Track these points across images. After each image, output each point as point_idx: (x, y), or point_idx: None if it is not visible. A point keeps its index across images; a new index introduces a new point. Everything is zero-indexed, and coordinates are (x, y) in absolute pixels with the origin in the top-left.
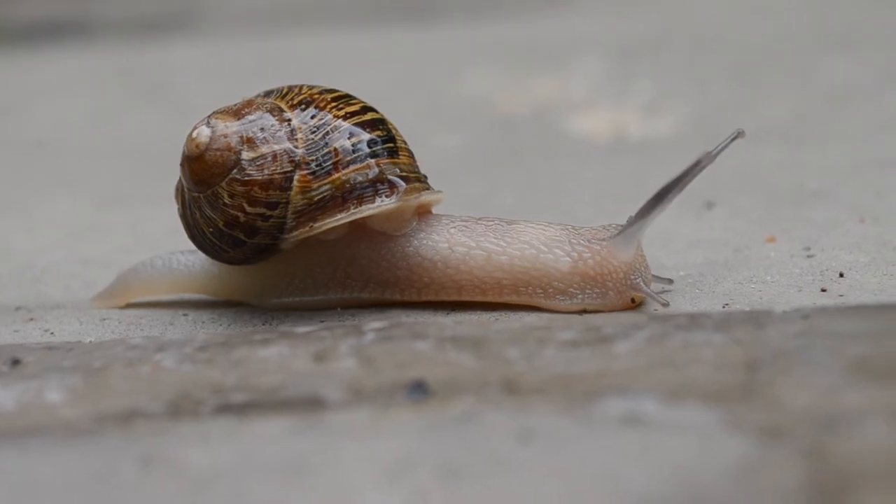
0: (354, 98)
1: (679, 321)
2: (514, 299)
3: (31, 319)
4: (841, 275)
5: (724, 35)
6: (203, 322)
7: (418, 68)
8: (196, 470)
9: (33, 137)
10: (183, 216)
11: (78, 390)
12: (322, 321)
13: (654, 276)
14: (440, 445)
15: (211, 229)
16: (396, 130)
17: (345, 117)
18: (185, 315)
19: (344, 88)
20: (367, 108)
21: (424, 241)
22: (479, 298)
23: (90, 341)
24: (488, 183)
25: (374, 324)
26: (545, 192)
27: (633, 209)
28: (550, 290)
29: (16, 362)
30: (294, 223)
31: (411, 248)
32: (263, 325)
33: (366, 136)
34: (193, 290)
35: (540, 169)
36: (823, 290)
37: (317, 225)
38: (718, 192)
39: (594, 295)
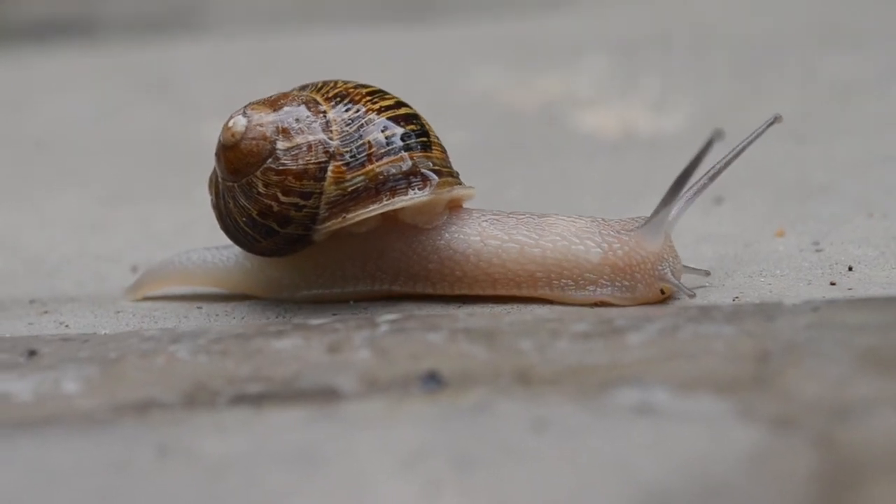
0: (388, 93)
1: (690, 313)
2: (546, 293)
3: (46, 312)
4: (850, 268)
5: (728, 31)
6: (217, 315)
7: (423, 66)
8: (212, 459)
9: (39, 134)
10: (216, 206)
11: (94, 381)
12: (335, 314)
13: (689, 267)
14: (454, 435)
15: (244, 219)
16: (430, 126)
17: (379, 111)
18: (198, 308)
19: None
20: (400, 104)
21: (456, 235)
22: (514, 292)
23: (105, 333)
24: (494, 179)
25: (387, 316)
26: (551, 188)
27: (640, 205)
28: (581, 282)
29: (32, 353)
30: (327, 214)
31: (442, 242)
32: (277, 317)
33: (399, 129)
34: (225, 286)
35: (546, 165)
36: (833, 284)
37: (349, 216)
38: (726, 187)
39: (623, 287)
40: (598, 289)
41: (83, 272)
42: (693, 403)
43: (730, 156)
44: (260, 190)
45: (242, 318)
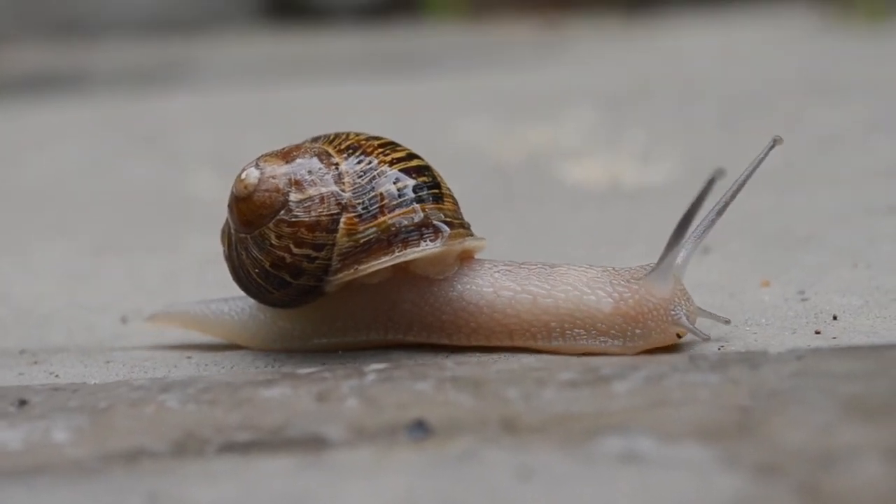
0: (400, 145)
1: (676, 362)
2: (560, 345)
3: (36, 362)
4: (834, 317)
5: (713, 84)
6: (206, 364)
7: (411, 118)
8: None
9: (31, 185)
10: (228, 257)
11: (84, 430)
12: (324, 363)
13: (708, 312)
14: (441, 483)
15: (257, 270)
16: (441, 178)
17: (391, 163)
18: (188, 357)
19: None
20: (412, 155)
21: (468, 286)
22: (529, 344)
23: (95, 383)
24: (482, 229)
25: (374, 365)
26: (539, 237)
27: (627, 254)
28: (594, 332)
29: (22, 403)
30: (339, 265)
31: (455, 293)
32: (266, 366)
33: (411, 181)
34: (237, 338)
35: (533, 215)
36: (817, 333)
37: (362, 267)
38: (713, 237)
39: (636, 336)
40: (610, 340)
41: (73, 322)
42: (678, 451)
43: (734, 187)
44: (272, 241)
45: (232, 367)
